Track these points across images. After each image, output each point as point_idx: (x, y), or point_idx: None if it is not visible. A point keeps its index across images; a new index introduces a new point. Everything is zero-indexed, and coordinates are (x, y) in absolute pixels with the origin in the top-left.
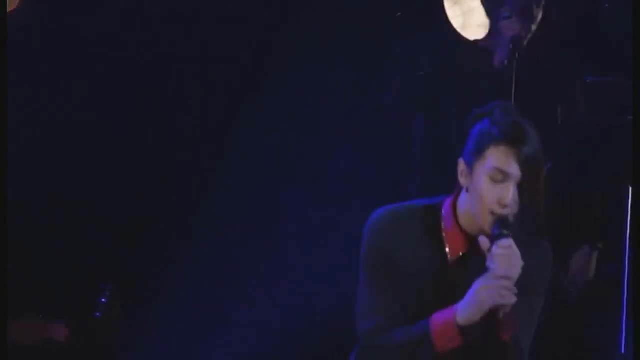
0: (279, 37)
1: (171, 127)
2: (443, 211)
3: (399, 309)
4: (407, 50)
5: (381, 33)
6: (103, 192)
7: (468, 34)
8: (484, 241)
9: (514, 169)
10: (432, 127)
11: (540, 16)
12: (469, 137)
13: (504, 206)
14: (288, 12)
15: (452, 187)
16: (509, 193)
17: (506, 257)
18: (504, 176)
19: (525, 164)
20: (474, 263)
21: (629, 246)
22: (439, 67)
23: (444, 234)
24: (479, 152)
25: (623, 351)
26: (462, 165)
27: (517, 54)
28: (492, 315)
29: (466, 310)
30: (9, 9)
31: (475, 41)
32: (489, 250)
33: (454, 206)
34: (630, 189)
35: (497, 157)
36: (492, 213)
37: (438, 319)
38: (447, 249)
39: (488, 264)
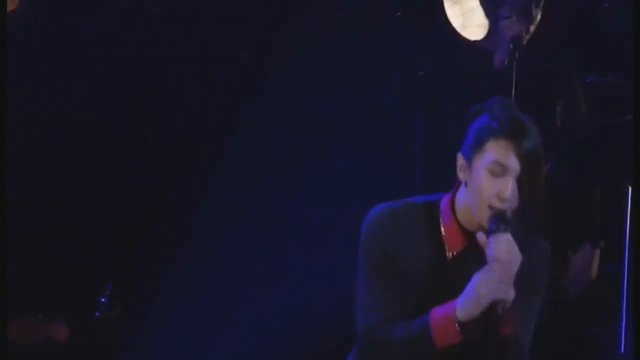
0: (279, 37)
1: (171, 127)
2: (441, 207)
3: (398, 305)
4: (407, 50)
5: (381, 33)
6: (103, 192)
7: (468, 33)
8: (481, 237)
9: (514, 163)
10: (432, 127)
11: (539, 16)
12: (468, 132)
13: (503, 200)
14: (288, 12)
15: (452, 187)
16: (508, 186)
17: (504, 252)
18: (503, 170)
19: (525, 158)
20: (473, 259)
21: (629, 246)
22: (439, 67)
23: (442, 230)
24: (478, 145)
25: (623, 351)
26: (460, 160)
27: (517, 54)
28: (491, 310)
29: (465, 305)
30: (8, 9)
31: (475, 41)
32: (487, 245)
33: (452, 202)
34: (630, 188)
35: (497, 150)
36: (491, 207)
37: (437, 315)
38: (446, 245)
39: (487, 259)
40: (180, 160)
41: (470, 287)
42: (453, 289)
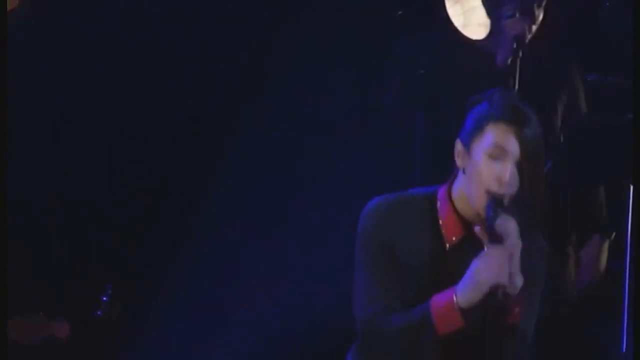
0: (279, 37)
1: (171, 127)
2: (438, 197)
3: (398, 297)
4: (407, 50)
5: (381, 33)
6: (103, 192)
7: (469, 32)
8: (480, 231)
9: (513, 146)
10: (432, 127)
11: (541, 15)
12: (467, 119)
13: (502, 183)
14: (288, 12)
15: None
16: (507, 170)
17: (503, 235)
18: (503, 152)
19: (525, 144)
20: (472, 248)
21: (630, 245)
22: (439, 67)
23: (440, 221)
24: (477, 129)
25: (624, 350)
26: (459, 146)
27: (520, 53)
28: (491, 295)
29: (465, 290)
30: (8, 8)
31: (476, 40)
32: (486, 229)
33: (449, 192)
34: (632, 188)
35: (497, 133)
36: (489, 192)
37: (438, 302)
38: (444, 235)
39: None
40: (180, 160)
41: (469, 272)
42: (453, 279)
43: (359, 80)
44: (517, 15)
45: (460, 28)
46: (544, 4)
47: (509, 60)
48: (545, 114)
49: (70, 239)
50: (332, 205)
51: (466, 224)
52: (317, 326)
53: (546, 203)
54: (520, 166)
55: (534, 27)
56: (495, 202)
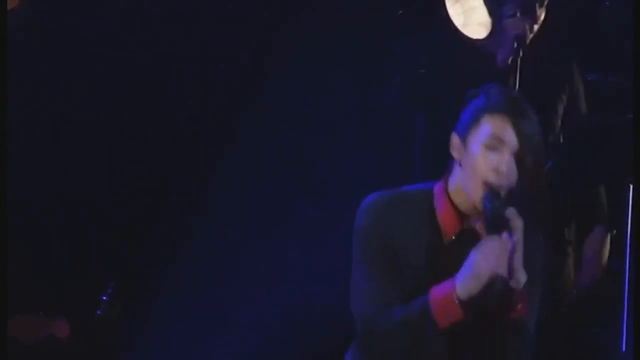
0: (279, 37)
1: (171, 127)
2: (434, 191)
3: (397, 293)
4: (407, 50)
5: (381, 33)
6: (103, 192)
7: (469, 32)
8: (479, 224)
9: (510, 136)
10: (432, 127)
11: (543, 15)
12: (463, 112)
13: (499, 174)
14: (288, 12)
15: None
16: (504, 160)
17: (502, 226)
18: (500, 143)
19: (522, 136)
20: (469, 242)
21: (630, 245)
22: (439, 67)
23: (437, 215)
24: (474, 121)
25: (624, 350)
26: (455, 139)
27: (521, 53)
28: (490, 286)
29: (464, 282)
30: (8, 8)
31: (477, 40)
32: (483, 221)
33: (446, 186)
34: (632, 187)
35: (493, 124)
36: (485, 183)
37: (437, 294)
38: (442, 229)
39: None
40: (180, 160)
41: (468, 264)
42: (451, 272)
43: (359, 80)
44: (519, 14)
45: (460, 27)
46: (545, 3)
47: (510, 60)
48: (545, 114)
49: (70, 239)
50: (332, 205)
51: (463, 218)
52: (316, 326)
53: (546, 203)
54: (518, 157)
55: (535, 27)
56: (493, 194)
